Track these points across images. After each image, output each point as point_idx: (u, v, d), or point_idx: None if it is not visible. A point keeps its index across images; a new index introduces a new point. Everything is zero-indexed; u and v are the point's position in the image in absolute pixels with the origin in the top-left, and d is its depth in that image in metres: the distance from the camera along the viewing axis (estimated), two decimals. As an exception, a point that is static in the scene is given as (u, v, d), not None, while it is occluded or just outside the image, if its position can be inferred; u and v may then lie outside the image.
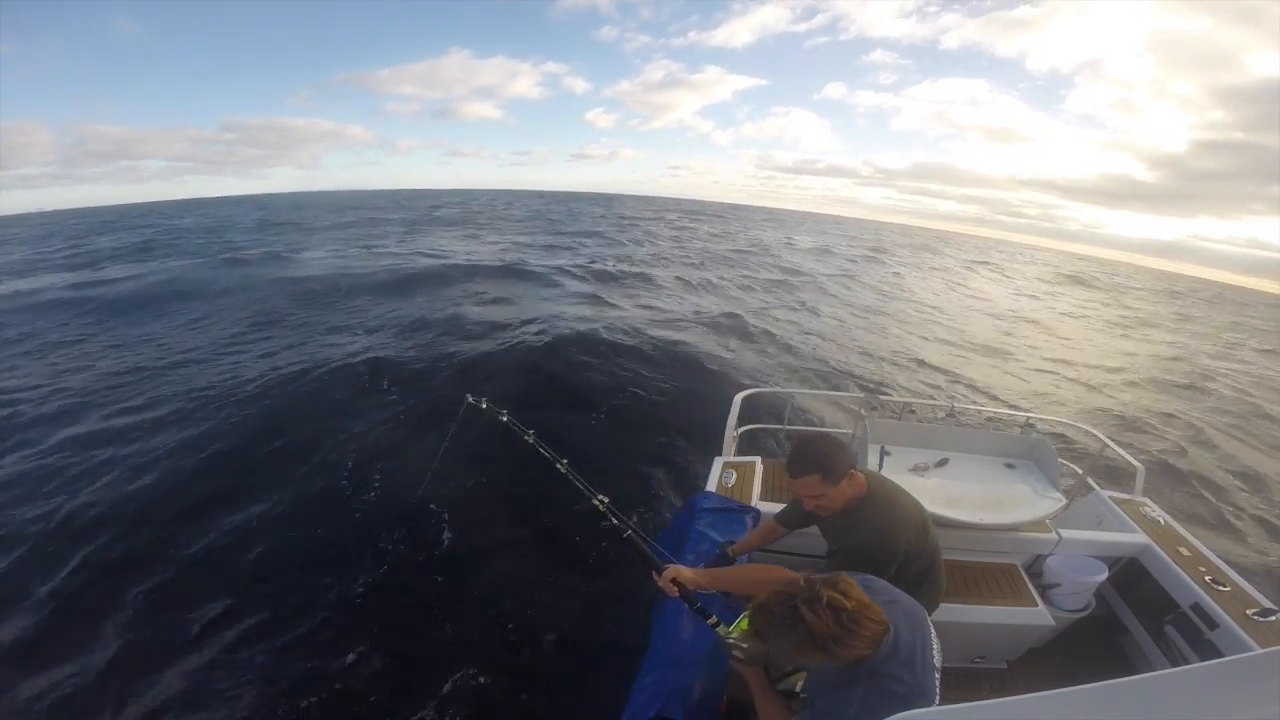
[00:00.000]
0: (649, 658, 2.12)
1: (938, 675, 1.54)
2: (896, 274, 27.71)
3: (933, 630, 1.61)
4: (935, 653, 1.57)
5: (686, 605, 2.03)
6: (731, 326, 12.11)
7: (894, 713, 1.43)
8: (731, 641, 1.70)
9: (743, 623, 1.72)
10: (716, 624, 1.95)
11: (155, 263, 20.35)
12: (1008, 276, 37.34)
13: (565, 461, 2.42)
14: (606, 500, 2.24)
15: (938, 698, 1.51)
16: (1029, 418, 3.82)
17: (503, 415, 2.59)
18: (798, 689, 1.81)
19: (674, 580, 2.04)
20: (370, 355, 9.03)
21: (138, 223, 45.29)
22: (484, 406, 2.61)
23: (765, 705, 1.78)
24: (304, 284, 14.94)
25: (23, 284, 17.02)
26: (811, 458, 2.05)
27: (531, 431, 2.50)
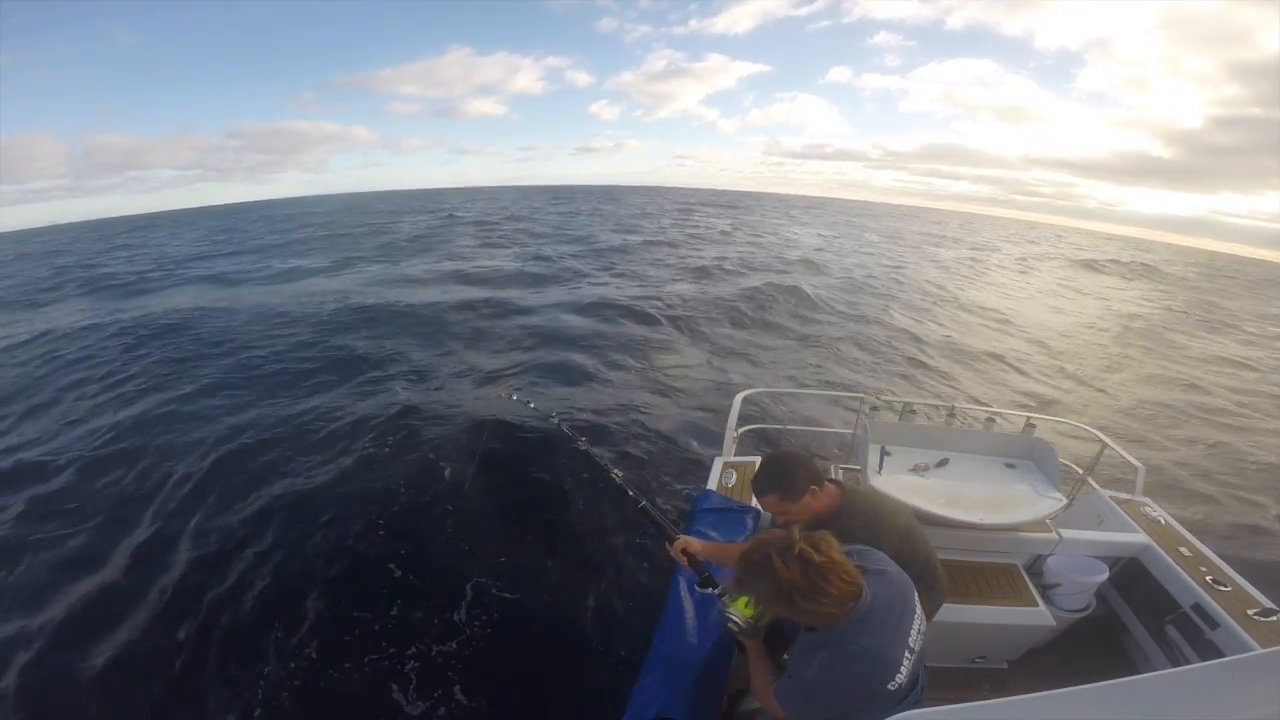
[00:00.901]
0: (650, 658, 2.17)
1: (910, 655, 1.55)
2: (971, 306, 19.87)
3: (918, 614, 1.63)
4: (915, 634, 1.59)
5: (694, 574, 2.15)
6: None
7: (848, 678, 1.50)
8: (729, 614, 1.77)
9: (739, 602, 1.78)
10: (721, 594, 2.04)
11: (160, 294, 18.21)
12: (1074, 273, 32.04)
13: (584, 439, 2.75)
14: (622, 475, 2.42)
15: (901, 674, 1.52)
16: (1029, 418, 3.82)
17: (530, 403, 3.12)
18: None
19: (684, 550, 2.16)
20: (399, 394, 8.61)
21: (133, 241, 43.60)
22: (514, 398, 3.35)
23: (757, 671, 1.86)
24: (330, 303, 14.62)
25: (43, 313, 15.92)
26: (768, 477, 2.13)
27: (555, 414, 2.87)
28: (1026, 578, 3.00)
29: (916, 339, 12.90)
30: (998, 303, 18.95)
